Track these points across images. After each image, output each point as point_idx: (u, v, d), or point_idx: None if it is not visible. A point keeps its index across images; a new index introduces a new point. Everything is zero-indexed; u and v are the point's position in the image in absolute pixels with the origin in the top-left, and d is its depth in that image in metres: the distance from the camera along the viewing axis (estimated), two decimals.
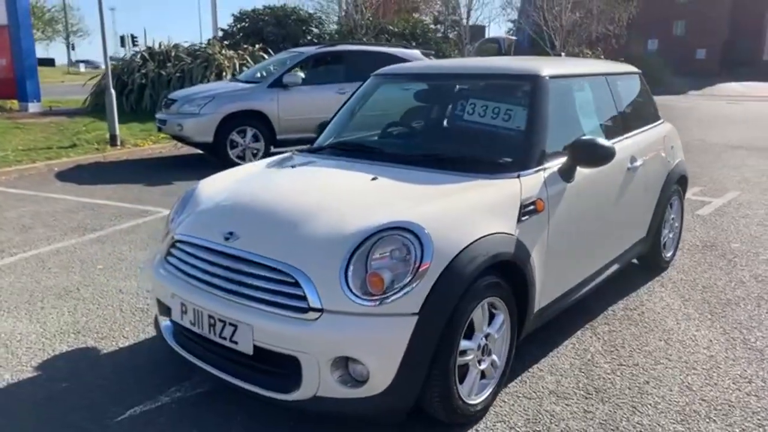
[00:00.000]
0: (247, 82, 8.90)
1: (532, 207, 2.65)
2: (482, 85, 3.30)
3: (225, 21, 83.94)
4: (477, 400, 2.47)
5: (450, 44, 19.62)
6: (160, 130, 8.66)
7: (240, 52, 13.17)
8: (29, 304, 3.70)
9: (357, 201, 2.51)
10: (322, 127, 3.78)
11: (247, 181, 2.93)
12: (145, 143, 10.03)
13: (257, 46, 13.85)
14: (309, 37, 16.06)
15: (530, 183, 2.70)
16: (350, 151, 3.20)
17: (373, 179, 2.70)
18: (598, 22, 23.45)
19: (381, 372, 2.15)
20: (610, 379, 2.84)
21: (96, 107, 12.46)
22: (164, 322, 2.76)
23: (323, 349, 2.16)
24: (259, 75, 9.15)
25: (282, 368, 2.28)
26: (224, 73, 12.20)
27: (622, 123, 3.70)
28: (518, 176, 2.69)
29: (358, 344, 2.15)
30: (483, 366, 2.48)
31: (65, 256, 4.58)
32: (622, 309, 3.63)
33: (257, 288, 2.29)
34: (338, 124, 3.63)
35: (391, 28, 17.41)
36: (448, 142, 3.10)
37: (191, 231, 2.64)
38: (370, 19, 18.20)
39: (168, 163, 9.04)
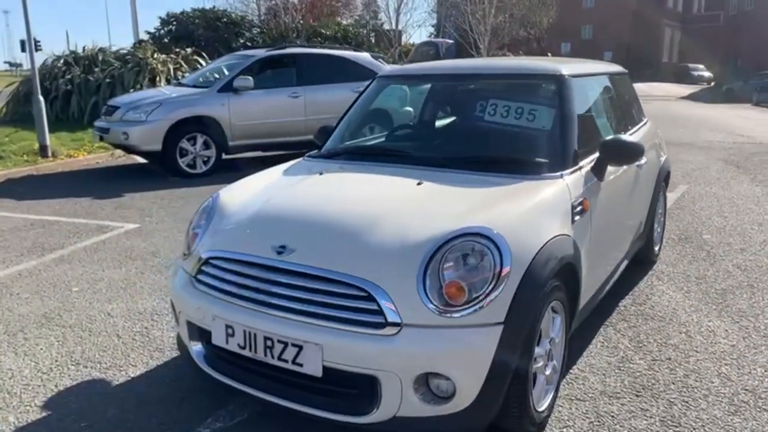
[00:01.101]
0: (193, 86, 8.49)
1: (580, 207, 2.63)
2: (502, 85, 3.25)
3: (145, 24, 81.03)
4: (543, 406, 2.41)
5: (380, 48, 19.66)
6: (101, 139, 8.10)
7: (173, 56, 12.57)
8: (8, 335, 3.31)
9: (415, 208, 2.39)
10: (326, 131, 3.62)
11: (280, 191, 2.73)
12: (80, 153, 9.37)
13: (189, 49, 13.28)
14: (242, 41, 15.61)
15: (574, 183, 2.68)
16: (375, 155, 3.07)
17: (419, 184, 2.59)
18: (520, 26, 24.28)
19: (467, 386, 2.04)
20: (651, 375, 2.86)
21: (16, 116, 11.53)
22: (195, 347, 2.52)
23: (406, 365, 2.02)
24: (205, 79, 8.76)
25: (354, 389, 2.13)
26: (158, 78, 11.61)
27: (625, 120, 3.77)
28: (561, 176, 2.66)
29: (445, 358, 2.03)
30: (548, 372, 2.43)
31: (31, 280, 4.16)
32: (632, 305, 3.69)
33: (324, 305, 2.12)
34: (350, 128, 3.49)
35: (323, 31, 17.23)
36: (476, 143, 3.02)
37: (229, 246, 2.43)
38: (301, 22, 17.93)
39: (109, 174, 8.48)
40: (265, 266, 2.27)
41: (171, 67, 12.07)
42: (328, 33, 17.14)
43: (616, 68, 4.14)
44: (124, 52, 12.60)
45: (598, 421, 2.49)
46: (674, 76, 45.58)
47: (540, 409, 2.37)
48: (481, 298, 2.04)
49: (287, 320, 2.16)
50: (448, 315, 2.03)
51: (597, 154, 2.92)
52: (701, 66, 46.06)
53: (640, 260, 4.30)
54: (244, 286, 2.31)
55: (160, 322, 3.47)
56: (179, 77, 11.81)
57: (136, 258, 4.62)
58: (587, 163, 2.87)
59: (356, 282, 2.09)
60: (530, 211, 2.37)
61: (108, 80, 11.37)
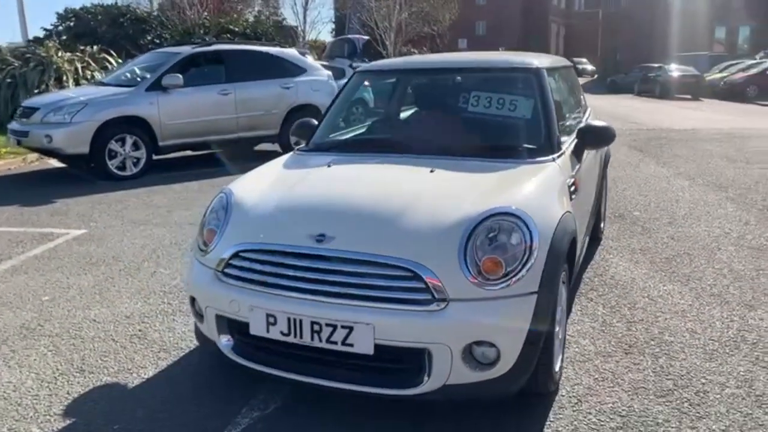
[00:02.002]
0: (117, 86, 8.13)
1: (574, 187, 2.91)
2: (482, 78, 3.48)
3: (35, 21, 74.13)
4: (557, 367, 2.66)
5: (287, 45, 19.46)
6: (19, 143, 7.58)
7: (78, 54, 11.87)
8: None
9: (438, 192, 2.56)
10: (308, 126, 3.68)
11: (298, 183, 2.80)
12: None
13: (96, 47, 12.58)
14: (149, 37, 14.96)
15: (564, 165, 2.96)
16: (372, 147, 3.19)
17: (431, 171, 2.76)
18: (423, 23, 24.94)
19: (509, 352, 2.24)
20: (631, 335, 3.20)
21: None
22: (225, 339, 2.56)
23: (456, 336, 2.19)
24: (128, 78, 8.41)
25: (404, 363, 2.27)
26: (65, 78, 10.95)
27: (580, 108, 4.13)
28: (553, 160, 2.93)
29: (490, 327, 2.22)
30: (560, 336, 2.68)
31: None
32: (595, 276, 4.07)
33: (372, 287, 2.24)
34: (336, 122, 3.59)
35: (231, 27, 16.86)
36: (467, 132, 3.22)
37: (261, 239, 2.48)
38: (207, 18, 17.43)
39: (28, 180, 7.97)
40: (304, 254, 2.36)
41: (78, 66, 11.41)
42: (237, 29, 16.83)
43: (565, 61, 4.50)
44: (24, 49, 11.74)
45: (602, 377, 2.78)
46: None
47: (556, 370, 2.62)
48: (516, 270, 2.24)
49: (334, 304, 2.27)
50: (489, 288, 2.22)
51: (574, 139, 3.23)
52: (584, 60, 49.30)
53: (593, 237, 4.71)
54: (282, 275, 2.38)
55: (153, 323, 3.41)
56: (88, 77, 11.22)
57: (98, 263, 4.45)
58: (567, 147, 3.16)
59: (402, 263, 2.23)
60: (543, 192, 2.60)
61: (9, 80, 10.58)
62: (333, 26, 37.95)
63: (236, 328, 2.53)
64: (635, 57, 35.02)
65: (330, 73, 9.94)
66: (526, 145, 3.04)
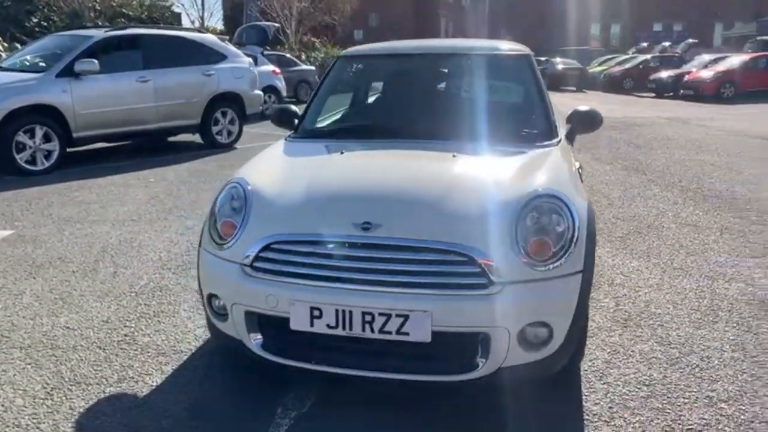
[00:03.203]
0: (21, 71, 7.37)
1: (580, 169, 3.01)
2: (476, 63, 3.49)
3: None
4: None
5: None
6: None
7: None
8: None
9: (472, 176, 2.55)
10: (289, 112, 3.54)
11: (319, 171, 2.66)
12: None
13: None
14: (36, 20, 13.61)
15: (566, 150, 3.05)
16: (377, 132, 3.11)
17: (453, 156, 2.74)
18: (324, 13, 24.67)
19: (560, 330, 2.28)
20: (622, 309, 3.37)
21: None
22: (255, 337, 2.41)
23: (514, 318, 2.20)
24: (31, 62, 7.64)
25: (459, 348, 2.26)
26: None
27: None
28: (557, 144, 3.01)
29: (545, 308, 2.25)
30: None
31: None
32: None
33: (426, 273, 2.20)
34: (325, 107, 3.47)
35: (125, 11, 15.75)
36: (471, 117, 3.22)
37: (296, 229, 2.35)
38: (97, 0, 16.12)
39: None
40: (349, 243, 2.27)
41: None
42: (131, 14, 15.75)
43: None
44: None
45: (613, 350, 2.91)
46: None
47: None
48: (564, 250, 2.29)
49: (387, 293, 2.20)
50: (540, 268, 2.25)
51: (566, 124, 3.34)
52: None
53: None
54: (326, 266, 2.27)
55: (138, 327, 3.14)
56: None
57: (44, 266, 4.03)
58: (562, 132, 3.26)
59: (456, 248, 2.21)
60: (567, 175, 2.66)
61: None
62: (222, 13, 36.47)
63: (270, 324, 2.39)
64: None
65: (251, 60, 9.60)
66: (530, 130, 3.11)
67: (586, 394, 2.55)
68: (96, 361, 2.81)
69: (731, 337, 3.03)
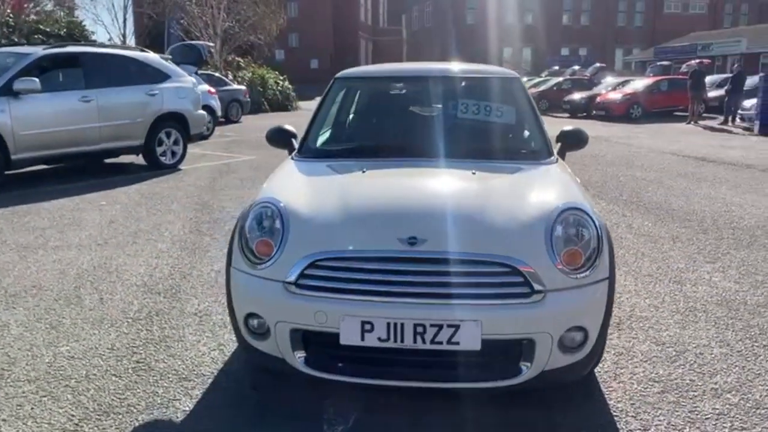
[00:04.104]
0: None
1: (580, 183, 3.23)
2: (471, 85, 3.67)
3: None
4: None
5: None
6: None
7: None
8: None
9: (500, 192, 2.71)
10: (286, 133, 3.58)
11: (352, 189, 2.72)
12: None
13: None
14: None
15: (565, 165, 3.27)
16: (388, 152, 3.20)
17: (473, 173, 2.88)
18: (250, 32, 24.44)
19: (593, 334, 2.45)
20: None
21: None
22: (300, 355, 2.43)
23: (557, 324, 2.35)
24: None
25: (505, 355, 2.37)
26: None
27: None
28: (557, 160, 3.23)
29: (582, 313, 2.41)
30: None
31: None
32: None
33: (474, 285, 2.31)
34: (327, 127, 3.53)
35: (42, 27, 14.95)
36: (477, 137, 3.37)
37: (343, 245, 2.40)
38: (11, 15, 15.15)
39: None
40: (397, 258, 2.34)
41: None
42: (49, 30, 14.99)
43: None
44: None
45: (617, 352, 3.12)
46: None
47: None
48: (594, 259, 2.47)
49: (439, 305, 2.29)
50: (574, 276, 2.41)
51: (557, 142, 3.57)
52: None
53: None
54: (375, 281, 2.34)
55: (148, 352, 3.05)
56: None
57: (20, 295, 3.81)
58: (556, 149, 3.48)
59: (500, 259, 2.34)
60: (579, 189, 2.87)
61: None
62: (134, 31, 35.13)
63: (314, 341, 2.42)
64: None
65: (194, 80, 9.44)
66: (530, 149, 3.32)
67: (607, 393, 2.73)
68: (116, 389, 2.71)
69: (714, 335, 3.33)
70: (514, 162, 3.14)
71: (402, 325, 2.29)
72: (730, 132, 16.08)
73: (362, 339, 2.32)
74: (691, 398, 2.67)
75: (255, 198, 2.79)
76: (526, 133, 3.44)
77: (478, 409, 2.55)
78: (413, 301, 2.30)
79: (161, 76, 8.68)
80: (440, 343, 2.30)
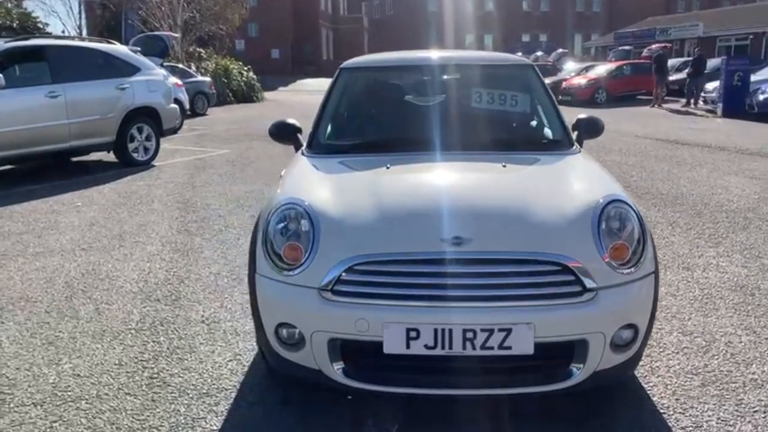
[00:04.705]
0: None
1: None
2: (485, 74, 3.52)
3: None
4: None
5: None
6: None
7: None
8: None
9: (537, 186, 2.58)
10: (289, 127, 3.40)
11: (381, 188, 2.55)
12: None
13: None
14: None
15: (588, 154, 3.17)
16: (405, 145, 3.02)
17: (504, 166, 2.75)
18: (212, 22, 23.76)
19: (642, 330, 2.36)
20: None
21: None
22: (338, 366, 2.27)
23: (610, 323, 2.24)
24: None
25: (557, 357, 2.26)
26: None
27: None
28: (579, 151, 3.13)
29: (633, 310, 2.32)
30: None
31: None
32: None
33: (523, 285, 2.19)
34: (336, 120, 3.35)
35: None
36: (497, 127, 3.24)
37: (383, 248, 2.24)
38: None
39: None
40: (442, 260, 2.21)
41: None
42: (0, 22, 14.24)
43: None
44: None
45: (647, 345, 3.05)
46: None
47: None
48: (640, 253, 2.37)
49: (489, 308, 2.16)
50: (622, 271, 2.31)
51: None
52: None
53: None
54: (419, 285, 2.20)
55: (161, 367, 2.85)
56: None
57: (7, 308, 3.55)
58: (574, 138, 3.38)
59: (550, 258, 2.21)
60: (613, 179, 2.77)
61: None
62: (85, 22, 33.73)
63: (354, 350, 2.27)
64: None
65: (165, 72, 9.08)
66: (553, 138, 3.21)
67: (648, 389, 2.66)
68: (134, 409, 2.51)
69: (738, 322, 3.30)
70: (539, 153, 3.03)
71: (450, 331, 2.16)
72: (694, 114, 16.40)
73: (407, 347, 2.18)
74: (733, 390, 2.62)
75: (274, 198, 2.62)
76: (546, 122, 3.33)
77: (521, 415, 2.44)
78: (461, 305, 2.17)
79: (131, 68, 8.30)
80: (491, 348, 2.17)
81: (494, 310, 2.16)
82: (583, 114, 3.57)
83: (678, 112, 17.16)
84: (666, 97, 19.99)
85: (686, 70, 19.40)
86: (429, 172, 2.79)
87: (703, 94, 18.24)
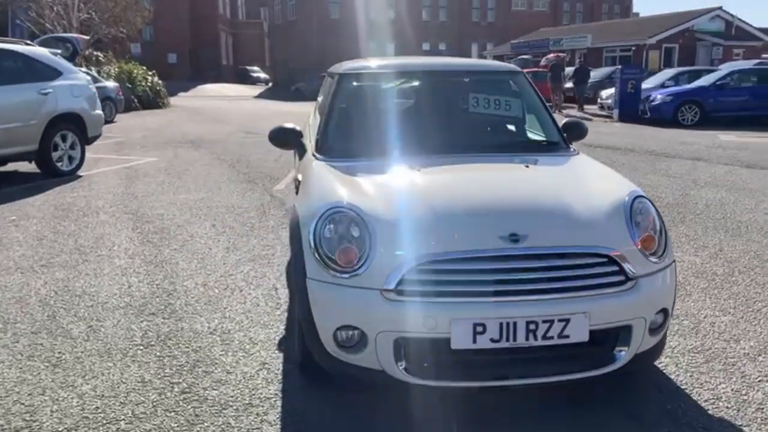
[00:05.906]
0: None
1: None
2: (479, 81, 3.67)
3: None
4: None
5: None
6: None
7: None
8: None
9: (568, 184, 2.76)
10: (290, 132, 3.41)
11: (426, 189, 2.62)
12: None
13: None
14: None
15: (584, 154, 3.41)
16: (424, 148, 3.09)
17: (527, 166, 2.91)
18: (109, 24, 22.42)
19: (670, 314, 2.59)
20: None
21: None
22: (402, 365, 2.31)
23: (650, 308, 2.45)
24: None
25: (606, 342, 2.43)
26: None
27: None
28: (577, 152, 3.35)
29: (667, 295, 2.54)
30: None
31: None
32: None
33: (576, 277, 2.34)
34: (345, 126, 3.37)
35: None
36: (502, 130, 3.40)
37: (444, 247, 2.31)
38: None
39: None
40: (504, 256, 2.31)
41: None
42: None
43: None
44: None
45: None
46: (236, 77, 49.13)
47: None
48: (664, 243, 2.60)
49: (548, 300, 2.30)
50: (655, 261, 2.53)
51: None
52: (257, 68, 50.89)
53: None
54: (482, 281, 2.29)
55: (187, 381, 2.73)
56: None
57: None
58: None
59: (598, 250, 2.39)
60: (619, 177, 2.99)
61: None
62: None
63: (416, 348, 2.32)
64: (307, 65, 37.40)
65: (88, 77, 8.56)
66: (552, 139, 3.41)
67: (663, 368, 2.89)
68: (179, 427, 2.40)
69: (712, 304, 3.65)
70: (546, 154, 3.22)
71: (515, 323, 2.27)
72: (591, 119, 17.59)
73: (474, 341, 2.26)
74: (734, 364, 2.91)
75: (310, 203, 2.62)
76: (543, 125, 3.53)
77: (555, 400, 2.58)
78: (524, 298, 2.29)
79: (52, 72, 7.76)
80: (551, 338, 2.31)
81: (553, 301, 2.30)
82: (569, 118, 3.81)
83: (575, 117, 18.30)
84: (564, 104, 21.28)
85: (570, 78, 20.68)
86: (462, 173, 2.90)
87: (599, 101, 19.66)
